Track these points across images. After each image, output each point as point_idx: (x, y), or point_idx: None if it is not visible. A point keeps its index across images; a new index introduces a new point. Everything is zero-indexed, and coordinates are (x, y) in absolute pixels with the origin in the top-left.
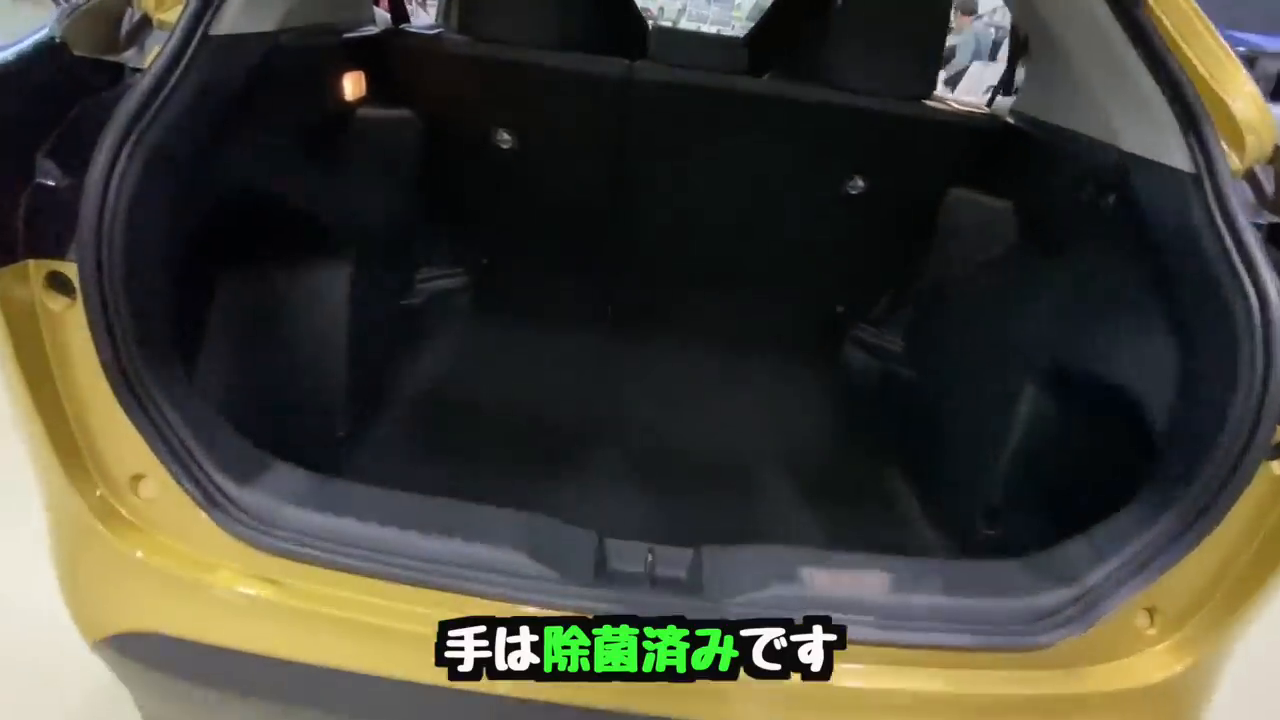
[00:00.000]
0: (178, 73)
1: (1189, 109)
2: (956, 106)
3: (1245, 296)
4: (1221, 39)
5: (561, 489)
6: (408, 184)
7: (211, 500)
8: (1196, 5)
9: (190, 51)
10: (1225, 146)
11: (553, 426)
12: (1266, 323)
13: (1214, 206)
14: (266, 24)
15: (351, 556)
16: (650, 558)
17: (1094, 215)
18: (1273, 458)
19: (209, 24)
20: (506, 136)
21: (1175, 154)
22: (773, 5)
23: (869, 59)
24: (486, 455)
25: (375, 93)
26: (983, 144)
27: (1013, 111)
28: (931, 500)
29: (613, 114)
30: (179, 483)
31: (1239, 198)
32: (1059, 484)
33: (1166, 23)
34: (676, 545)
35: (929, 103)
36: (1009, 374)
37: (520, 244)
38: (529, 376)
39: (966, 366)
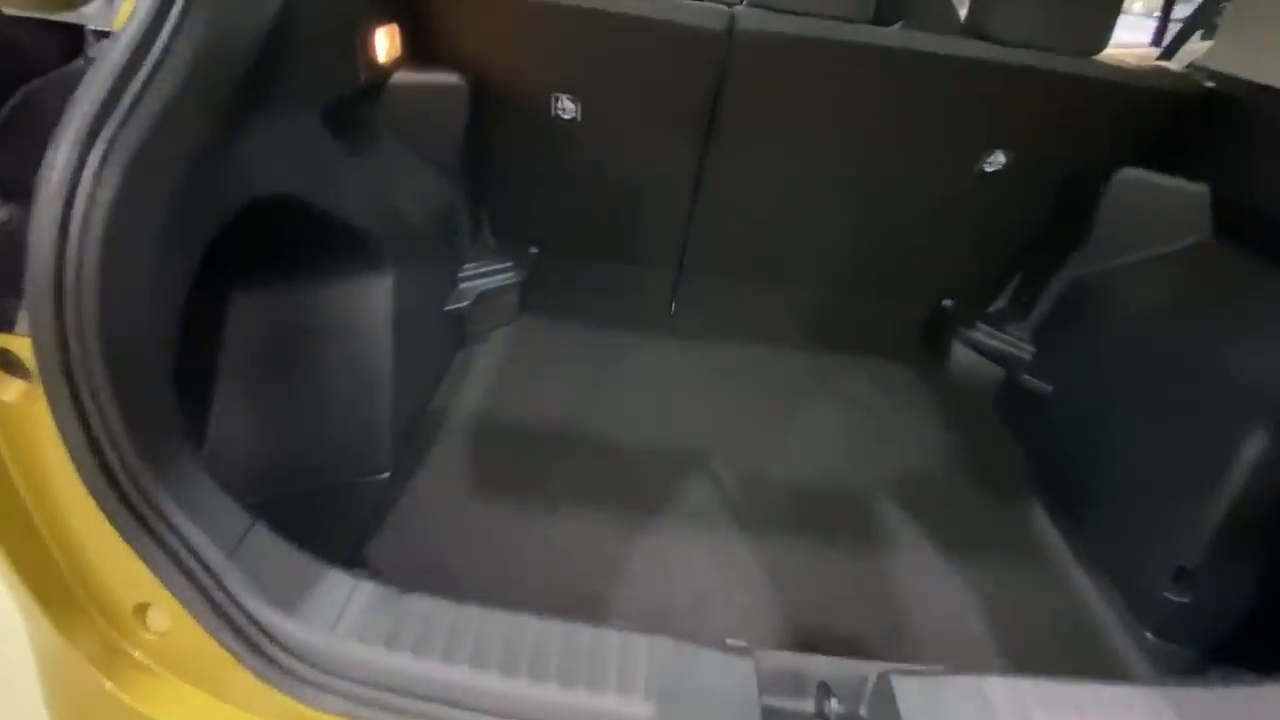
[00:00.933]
0: (164, 36)
1: None
2: (1135, 62)
3: None
4: None
5: (650, 539)
6: (451, 166)
7: (247, 641)
8: None
9: (180, 3)
10: None
11: (625, 455)
12: None
13: None
14: None
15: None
16: (830, 704)
17: None
18: None
19: None
20: (569, 105)
21: None
22: None
23: (1028, 3)
24: (554, 494)
25: (414, 50)
26: (1172, 112)
27: (1198, 68)
28: (1095, 552)
29: (705, 76)
30: (199, 621)
31: None
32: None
33: None
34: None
35: (1101, 58)
36: (1223, 410)
37: (576, 230)
38: (591, 392)
39: (1144, 392)
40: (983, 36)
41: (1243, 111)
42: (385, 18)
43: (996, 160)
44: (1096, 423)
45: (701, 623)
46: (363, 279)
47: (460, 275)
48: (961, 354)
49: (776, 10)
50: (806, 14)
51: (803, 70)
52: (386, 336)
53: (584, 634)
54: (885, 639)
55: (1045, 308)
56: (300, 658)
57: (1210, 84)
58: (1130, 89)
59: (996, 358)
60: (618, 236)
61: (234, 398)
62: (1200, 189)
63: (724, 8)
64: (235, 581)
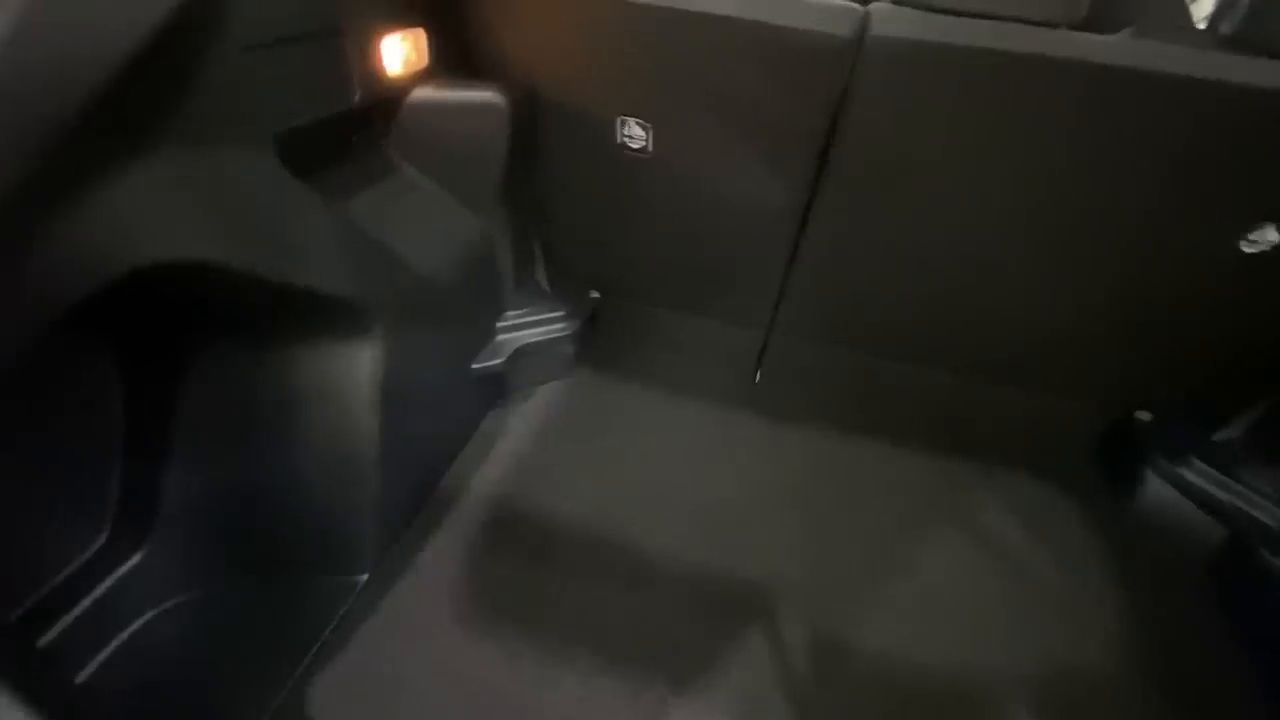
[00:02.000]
0: None
1: None
2: None
3: None
4: None
5: None
6: (488, 200)
7: None
8: None
9: None
10: None
11: (662, 585)
12: None
13: None
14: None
15: None
16: None
17: None
18: None
19: None
20: (637, 131)
21: None
22: None
23: None
24: (558, 636)
25: (443, 60)
26: None
27: None
28: None
29: (819, 99)
30: None
31: None
32: None
33: None
34: None
35: None
36: None
37: (646, 276)
38: (641, 478)
39: None
40: (1253, 49)
41: None
42: (407, 19)
43: (1267, 238)
44: None
45: None
46: (341, 346)
47: (499, 326)
48: (1159, 492)
49: (934, 9)
50: (980, 15)
51: (965, 92)
52: (372, 412)
53: None
54: None
55: None
56: None
57: None
58: None
59: (1217, 511)
60: (696, 286)
61: (189, 470)
62: None
63: (856, 6)
64: None
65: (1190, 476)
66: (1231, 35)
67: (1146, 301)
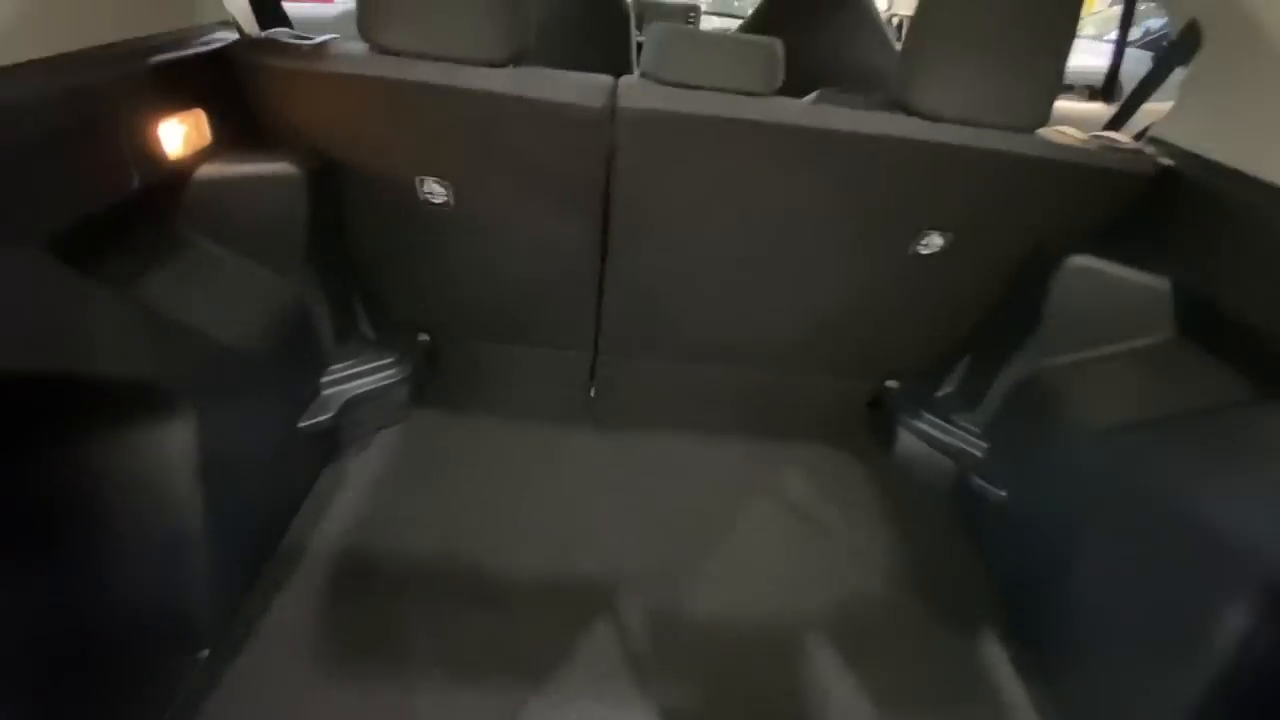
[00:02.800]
0: None
1: None
2: (1079, 137)
3: None
4: None
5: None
6: (290, 265)
7: None
8: None
9: None
10: None
11: (514, 594)
12: None
13: None
14: None
15: None
16: None
17: None
18: None
19: None
20: (437, 189)
21: None
22: None
23: (955, 78)
24: (417, 664)
25: (228, 136)
26: (1125, 193)
27: (1155, 142)
28: (1062, 705)
29: (593, 155)
30: None
31: None
32: None
33: None
34: None
35: (1044, 133)
36: (1200, 566)
37: (470, 316)
38: (483, 504)
39: (1108, 519)
40: (910, 111)
41: (1204, 196)
42: (182, 102)
43: (933, 243)
44: (1058, 544)
45: None
46: (148, 426)
47: (324, 381)
48: (909, 443)
49: (667, 84)
50: (700, 88)
51: (700, 150)
52: (192, 488)
53: None
54: None
55: (997, 400)
56: None
57: (1168, 161)
58: (1074, 168)
59: (945, 450)
60: (519, 320)
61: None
62: (1161, 283)
63: (602, 80)
64: None
65: (925, 427)
66: (896, 99)
67: (869, 298)
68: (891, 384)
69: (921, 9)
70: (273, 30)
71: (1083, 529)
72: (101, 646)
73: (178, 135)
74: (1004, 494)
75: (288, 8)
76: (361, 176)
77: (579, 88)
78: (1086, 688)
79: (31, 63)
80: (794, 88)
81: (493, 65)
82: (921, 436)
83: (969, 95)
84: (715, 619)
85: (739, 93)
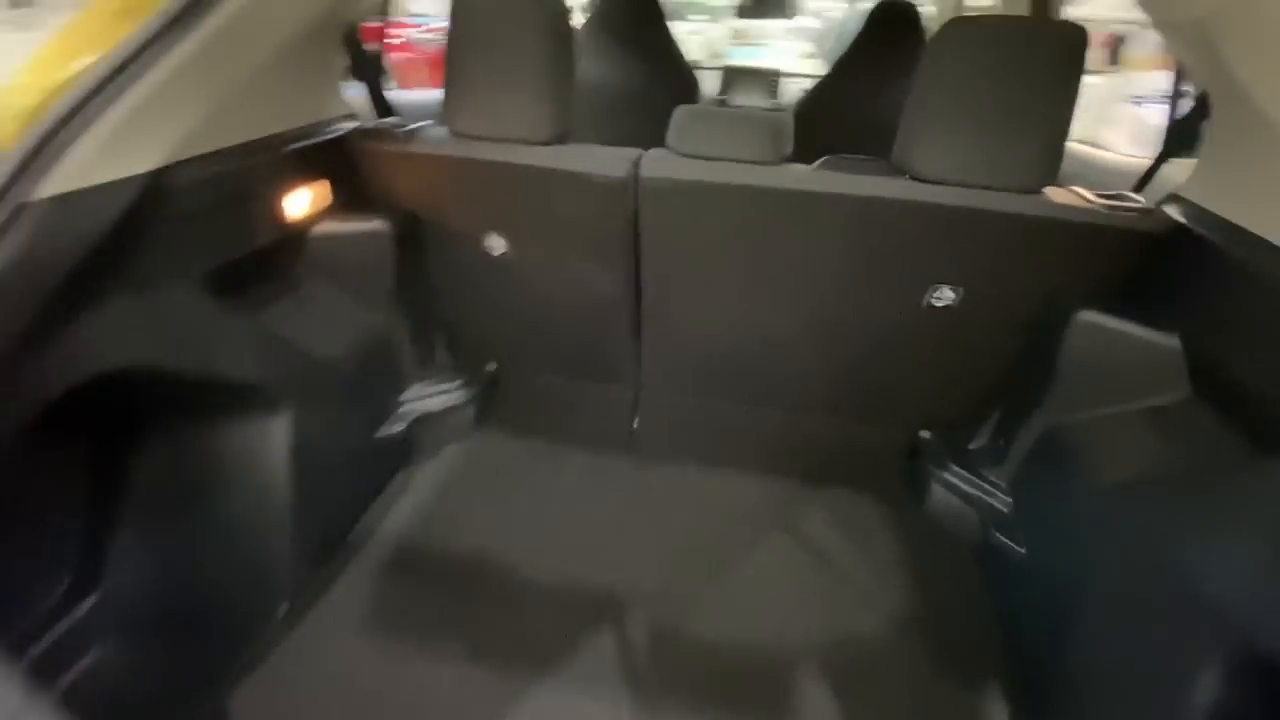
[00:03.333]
0: None
1: None
2: (1090, 197)
3: None
4: None
5: (534, 702)
6: (381, 301)
7: None
8: None
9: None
10: None
11: (536, 596)
12: None
13: None
14: (141, 165)
15: None
16: None
17: None
18: None
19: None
20: (498, 242)
21: None
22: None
23: (951, 142)
24: (444, 640)
25: (345, 200)
26: (1135, 251)
27: (1179, 200)
28: None
29: (619, 218)
30: None
31: None
32: None
33: None
34: None
35: (1050, 193)
36: (1186, 631)
37: (529, 350)
38: (524, 516)
39: (1112, 580)
40: (910, 174)
41: (1214, 256)
42: (313, 175)
43: (945, 296)
44: (1065, 604)
45: None
46: (256, 422)
47: (401, 399)
48: (939, 495)
49: (685, 155)
50: (711, 158)
51: (716, 213)
52: (285, 474)
53: None
54: None
55: (1020, 455)
56: None
57: (1181, 220)
58: (1079, 227)
59: (972, 504)
60: (571, 356)
61: (139, 533)
62: (1170, 341)
63: (631, 154)
64: None
65: (954, 479)
66: (896, 163)
67: (891, 349)
68: (925, 434)
69: (920, 73)
70: (381, 120)
71: (1089, 590)
72: (203, 599)
73: (305, 201)
74: (1022, 551)
75: (410, 94)
76: (441, 233)
77: (606, 160)
78: None
79: (209, 154)
80: (863, 136)
81: (542, 144)
82: (951, 489)
83: (968, 158)
84: (713, 638)
85: (749, 162)
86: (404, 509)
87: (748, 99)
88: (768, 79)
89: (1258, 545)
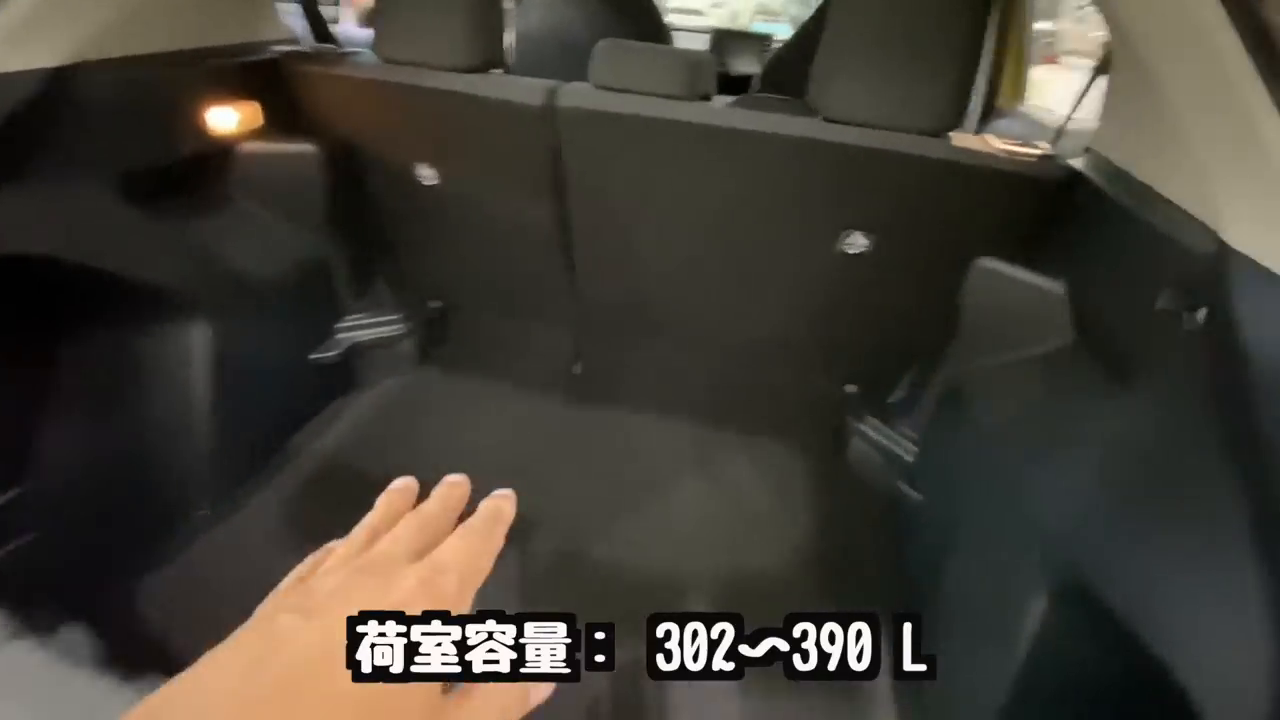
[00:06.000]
0: None
1: None
2: (997, 145)
3: None
4: None
5: None
6: (313, 224)
7: None
8: None
9: None
10: None
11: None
12: None
13: None
14: (48, 59)
15: None
16: None
17: (1171, 335)
18: None
19: None
20: (427, 172)
21: None
22: None
23: (859, 80)
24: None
25: (276, 123)
26: (1032, 199)
27: (1087, 151)
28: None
29: (541, 148)
30: None
31: None
32: None
33: None
34: None
35: (956, 139)
36: (1019, 563)
37: (472, 288)
38: (459, 449)
39: (975, 522)
40: (819, 114)
41: (1107, 204)
42: (243, 94)
43: (858, 243)
44: (946, 545)
45: None
46: (176, 327)
47: (338, 326)
48: (859, 448)
49: (603, 88)
50: (627, 90)
51: (636, 148)
52: (204, 380)
53: None
54: None
55: (929, 407)
56: None
57: (1080, 169)
58: (980, 171)
59: (886, 455)
60: (512, 295)
61: (58, 432)
62: (1057, 287)
63: (550, 84)
64: None
65: (871, 432)
66: (810, 102)
67: (809, 297)
68: (850, 388)
69: (831, 14)
70: (317, 45)
71: (961, 530)
72: (121, 496)
73: (233, 119)
74: (920, 498)
75: (351, 31)
76: (372, 160)
77: (526, 89)
78: (941, 680)
79: (129, 58)
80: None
81: (467, 70)
82: (869, 441)
83: (874, 98)
84: (614, 561)
85: (666, 97)
86: (335, 432)
87: (737, 63)
88: (759, 43)
89: (1088, 477)
